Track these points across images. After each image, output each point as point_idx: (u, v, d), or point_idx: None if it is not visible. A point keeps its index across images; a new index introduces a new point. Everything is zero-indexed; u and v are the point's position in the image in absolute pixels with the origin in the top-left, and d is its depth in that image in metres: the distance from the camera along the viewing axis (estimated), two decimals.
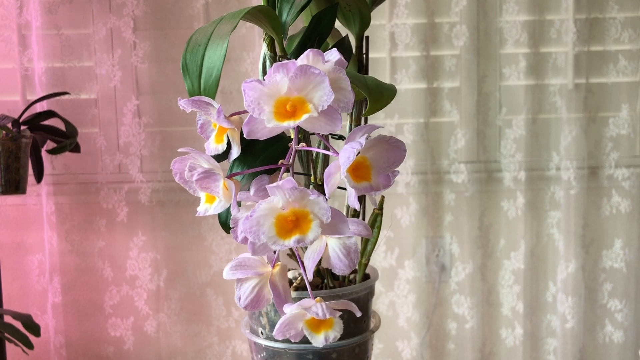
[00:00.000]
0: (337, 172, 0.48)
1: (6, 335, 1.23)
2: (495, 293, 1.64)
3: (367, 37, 0.76)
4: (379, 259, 1.62)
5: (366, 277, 0.76)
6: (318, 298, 0.52)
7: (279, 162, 0.53)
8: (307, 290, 0.70)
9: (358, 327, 0.71)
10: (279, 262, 0.52)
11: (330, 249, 0.51)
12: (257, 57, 1.55)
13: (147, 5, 1.55)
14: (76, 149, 1.41)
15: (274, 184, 0.46)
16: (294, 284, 0.73)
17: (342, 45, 0.69)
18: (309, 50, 0.48)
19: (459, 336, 1.64)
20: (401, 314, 1.63)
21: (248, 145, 0.60)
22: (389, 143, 0.48)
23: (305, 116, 0.46)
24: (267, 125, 0.47)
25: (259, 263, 0.52)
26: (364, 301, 0.72)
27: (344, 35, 0.76)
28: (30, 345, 1.22)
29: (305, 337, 0.62)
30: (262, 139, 0.51)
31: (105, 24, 1.55)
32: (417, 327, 1.62)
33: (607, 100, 1.61)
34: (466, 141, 1.60)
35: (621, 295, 1.64)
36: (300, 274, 0.75)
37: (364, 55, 0.77)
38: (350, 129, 0.76)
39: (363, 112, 0.74)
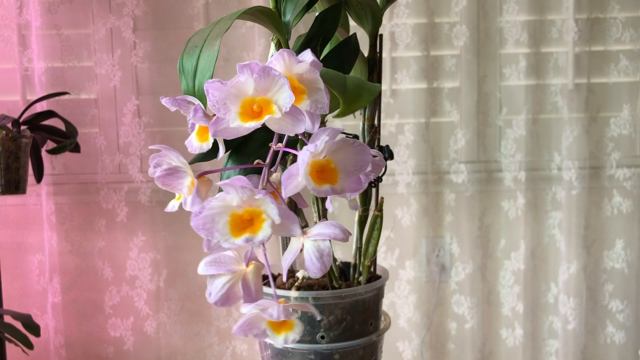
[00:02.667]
0: (298, 174, 0.48)
1: (6, 335, 1.23)
2: (495, 293, 1.64)
3: (381, 36, 0.75)
4: (380, 260, 1.62)
5: (376, 278, 0.76)
6: (282, 299, 0.52)
7: (255, 162, 0.53)
8: (308, 290, 0.70)
9: (363, 329, 0.70)
10: (253, 261, 0.52)
11: (305, 250, 0.51)
12: (257, 57, 1.54)
13: (147, 5, 1.55)
14: (76, 149, 1.41)
15: (225, 182, 0.47)
16: (295, 284, 0.73)
17: (348, 44, 0.67)
18: (282, 50, 0.48)
19: (459, 336, 1.64)
20: (402, 314, 1.62)
21: (241, 145, 0.60)
22: (353, 146, 0.47)
23: (266, 117, 0.47)
24: (230, 125, 0.48)
25: (234, 261, 0.52)
26: (370, 303, 0.71)
27: (364, 33, 0.74)
28: (30, 345, 1.22)
29: (311, 337, 0.63)
30: (228, 139, 0.51)
31: (105, 24, 1.55)
32: (417, 327, 1.62)
33: (608, 100, 1.61)
34: (466, 141, 1.59)
35: (622, 295, 1.64)
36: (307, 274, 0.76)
37: (378, 54, 0.75)
38: (363, 130, 0.75)
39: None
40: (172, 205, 0.55)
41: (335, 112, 0.55)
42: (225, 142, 0.58)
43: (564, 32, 1.58)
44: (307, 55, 0.49)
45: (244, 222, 0.46)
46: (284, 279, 0.54)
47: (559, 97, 1.59)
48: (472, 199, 1.59)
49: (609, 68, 1.60)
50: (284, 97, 0.47)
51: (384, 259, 1.62)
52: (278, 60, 0.49)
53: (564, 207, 1.60)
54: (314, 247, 0.50)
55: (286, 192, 0.48)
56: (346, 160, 0.47)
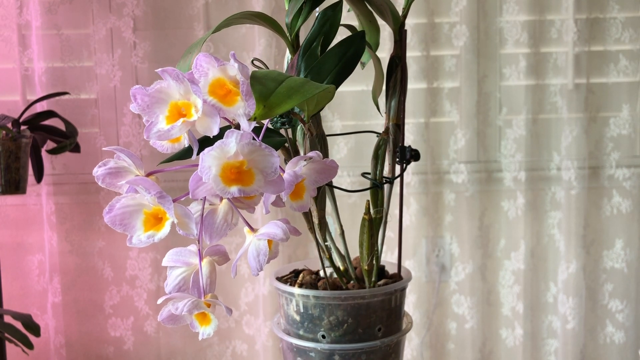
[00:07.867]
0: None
1: (6, 335, 1.23)
2: (495, 293, 1.64)
3: (405, 31, 0.73)
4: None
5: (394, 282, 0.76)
6: (208, 295, 0.53)
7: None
8: (310, 288, 0.71)
9: (368, 334, 0.69)
10: (207, 256, 0.54)
11: (249, 249, 0.52)
12: (258, 57, 1.54)
13: (147, 5, 1.55)
14: (76, 149, 1.42)
15: (129, 180, 0.49)
16: (298, 281, 0.73)
17: (351, 43, 0.66)
18: (201, 53, 0.49)
19: (459, 336, 1.64)
20: None
21: None
22: (261, 149, 0.47)
23: (180, 120, 0.48)
24: (155, 128, 0.49)
25: (192, 254, 0.54)
26: (377, 308, 0.70)
27: (392, 27, 0.73)
28: (30, 345, 1.22)
29: (313, 335, 0.64)
30: (161, 140, 0.52)
31: (105, 24, 1.55)
32: (417, 327, 1.62)
33: (607, 100, 1.61)
34: (466, 141, 1.60)
35: (622, 295, 1.64)
36: (331, 273, 0.77)
37: (402, 51, 0.73)
38: (388, 130, 0.75)
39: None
40: None
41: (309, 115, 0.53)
42: (209, 141, 0.58)
43: (564, 32, 1.58)
44: (231, 61, 0.50)
45: (157, 220, 0.49)
46: (232, 274, 0.56)
47: (558, 97, 1.59)
48: (472, 199, 1.60)
49: (609, 68, 1.60)
50: (199, 100, 0.48)
51: (383, 259, 1.62)
52: (210, 64, 0.49)
53: (563, 207, 1.60)
54: (253, 246, 0.52)
55: (195, 194, 0.49)
56: (263, 162, 0.47)
